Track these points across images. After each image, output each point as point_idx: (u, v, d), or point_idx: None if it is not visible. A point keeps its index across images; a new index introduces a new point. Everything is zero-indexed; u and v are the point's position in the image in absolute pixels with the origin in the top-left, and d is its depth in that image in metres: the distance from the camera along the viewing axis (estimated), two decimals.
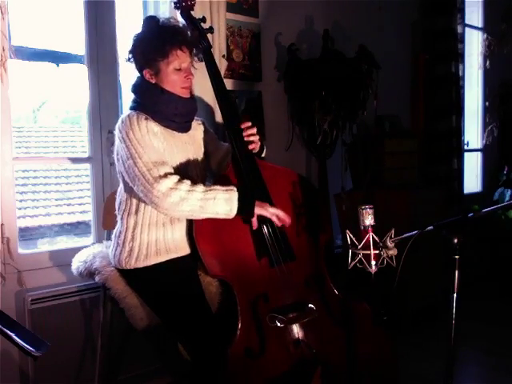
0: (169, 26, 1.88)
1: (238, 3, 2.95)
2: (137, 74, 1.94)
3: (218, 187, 1.78)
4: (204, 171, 2.05)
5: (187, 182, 1.76)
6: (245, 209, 1.78)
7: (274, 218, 1.82)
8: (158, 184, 1.72)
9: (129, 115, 1.84)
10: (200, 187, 1.76)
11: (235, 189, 1.78)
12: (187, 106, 1.95)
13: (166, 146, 1.87)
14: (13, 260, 2.25)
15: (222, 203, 1.74)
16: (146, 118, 1.84)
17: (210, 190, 1.76)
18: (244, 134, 1.95)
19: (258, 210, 1.79)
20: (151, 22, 1.90)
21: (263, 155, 2.07)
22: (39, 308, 2.24)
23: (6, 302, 2.20)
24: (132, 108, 1.91)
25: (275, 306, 1.87)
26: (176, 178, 1.76)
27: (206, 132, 2.11)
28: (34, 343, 1.14)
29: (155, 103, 1.87)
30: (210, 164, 2.12)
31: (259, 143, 1.99)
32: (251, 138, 1.95)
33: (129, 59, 1.92)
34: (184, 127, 1.97)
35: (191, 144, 2.00)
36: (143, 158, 1.76)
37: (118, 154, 1.85)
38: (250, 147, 1.95)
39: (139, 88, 1.92)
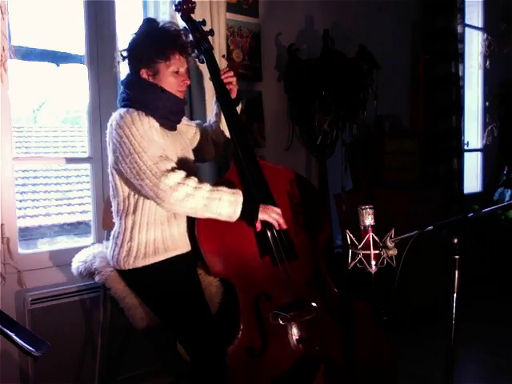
0: (170, 29, 1.90)
1: (238, 3, 2.95)
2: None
3: (224, 188, 1.79)
4: (194, 164, 2.07)
5: (194, 179, 1.76)
6: (249, 213, 1.80)
7: (276, 224, 1.85)
8: (165, 178, 1.72)
9: (128, 111, 1.82)
10: (207, 186, 1.77)
11: (241, 193, 1.79)
12: (182, 106, 1.99)
13: (163, 143, 1.87)
14: (13, 260, 2.25)
15: (226, 205, 1.76)
16: (147, 114, 1.84)
17: (217, 191, 1.77)
18: (223, 76, 2.08)
19: (261, 216, 1.82)
20: (152, 24, 1.91)
21: (239, 106, 2.18)
22: (39, 308, 2.24)
23: (5, 302, 2.20)
24: (127, 105, 1.87)
25: (277, 305, 1.87)
26: (183, 173, 1.76)
27: (187, 124, 2.14)
28: (34, 343, 1.14)
29: (155, 100, 1.87)
30: (197, 149, 2.14)
31: (236, 87, 2.13)
32: (229, 80, 2.09)
33: (125, 57, 1.92)
34: (175, 126, 2.00)
35: (179, 140, 2.02)
36: (148, 151, 1.75)
37: (115, 152, 1.81)
38: (227, 87, 2.09)
39: (135, 85, 1.90)
